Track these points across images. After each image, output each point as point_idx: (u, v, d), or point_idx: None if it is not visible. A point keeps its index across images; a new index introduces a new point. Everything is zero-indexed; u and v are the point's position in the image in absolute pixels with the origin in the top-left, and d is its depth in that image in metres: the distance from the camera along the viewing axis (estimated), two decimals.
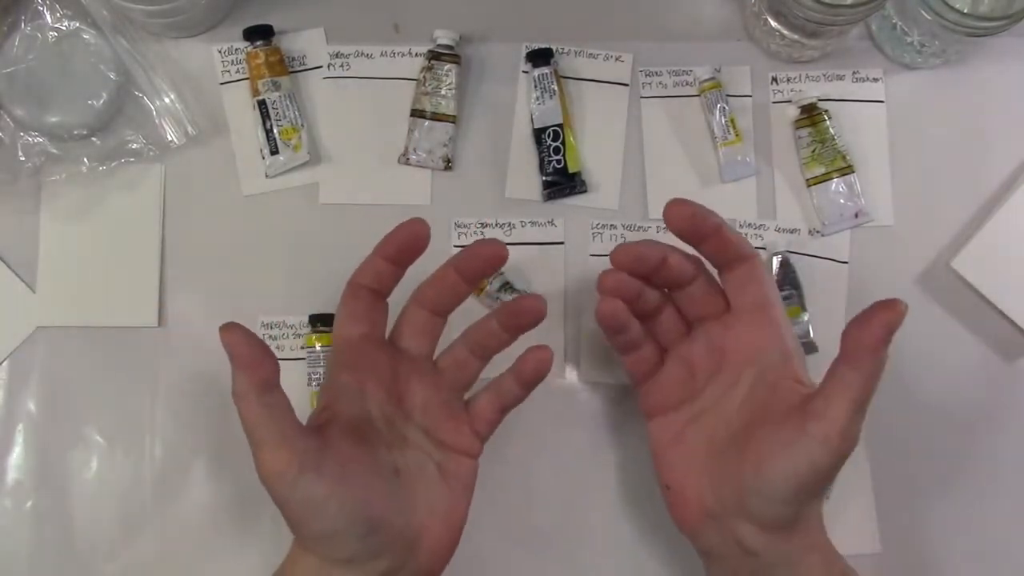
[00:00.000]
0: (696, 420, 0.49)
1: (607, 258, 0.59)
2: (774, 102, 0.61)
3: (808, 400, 0.43)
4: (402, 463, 0.46)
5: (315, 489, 0.41)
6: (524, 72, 0.61)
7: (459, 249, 0.58)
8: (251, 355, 0.41)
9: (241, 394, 0.41)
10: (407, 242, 0.46)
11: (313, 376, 0.56)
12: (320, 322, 0.57)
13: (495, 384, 0.50)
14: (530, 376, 0.49)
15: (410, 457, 0.47)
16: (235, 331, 0.41)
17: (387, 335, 0.49)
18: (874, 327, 0.41)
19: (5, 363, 0.57)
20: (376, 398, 0.46)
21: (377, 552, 0.43)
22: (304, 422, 0.44)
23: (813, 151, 0.60)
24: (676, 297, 0.50)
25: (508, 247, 0.58)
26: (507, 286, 0.57)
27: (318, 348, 0.56)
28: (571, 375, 0.59)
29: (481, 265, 0.47)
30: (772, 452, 0.43)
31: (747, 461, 0.44)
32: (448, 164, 0.60)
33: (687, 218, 0.46)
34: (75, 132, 0.57)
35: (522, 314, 0.48)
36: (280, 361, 0.57)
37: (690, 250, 0.48)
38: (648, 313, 0.51)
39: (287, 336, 0.58)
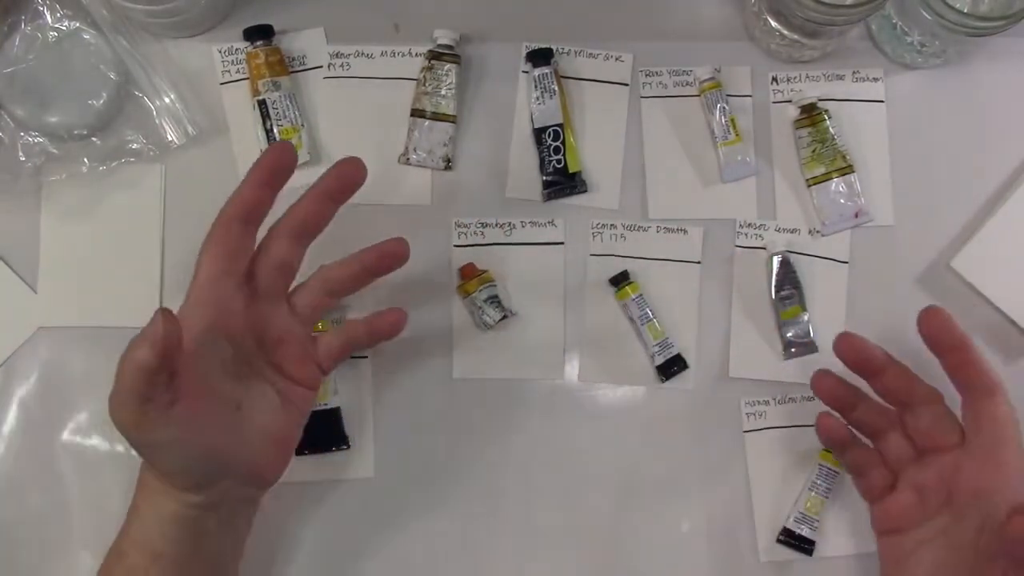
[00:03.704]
0: (924, 546, 0.48)
1: (607, 258, 0.59)
2: (774, 102, 0.61)
3: None
4: (245, 396, 0.47)
5: (161, 436, 0.43)
6: (524, 72, 0.61)
7: (458, 249, 0.59)
8: (165, 341, 0.40)
9: (131, 352, 0.41)
10: (276, 164, 0.48)
11: None
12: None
13: (347, 329, 0.52)
14: (382, 335, 0.52)
15: (254, 388, 0.48)
16: (167, 317, 0.41)
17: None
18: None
19: (6, 364, 0.57)
20: (231, 333, 0.47)
21: (218, 478, 0.46)
22: None
23: (813, 151, 0.60)
24: (906, 420, 0.51)
25: (508, 247, 0.59)
26: (493, 299, 0.57)
27: None
28: (571, 375, 0.59)
29: (344, 186, 0.50)
30: None
31: None
32: (448, 164, 0.60)
33: (938, 330, 0.48)
34: (75, 132, 0.57)
35: (386, 256, 0.51)
36: None
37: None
38: (875, 431, 0.52)
39: None
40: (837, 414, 0.53)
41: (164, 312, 0.40)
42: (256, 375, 0.49)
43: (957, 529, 0.47)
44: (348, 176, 0.49)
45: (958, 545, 0.47)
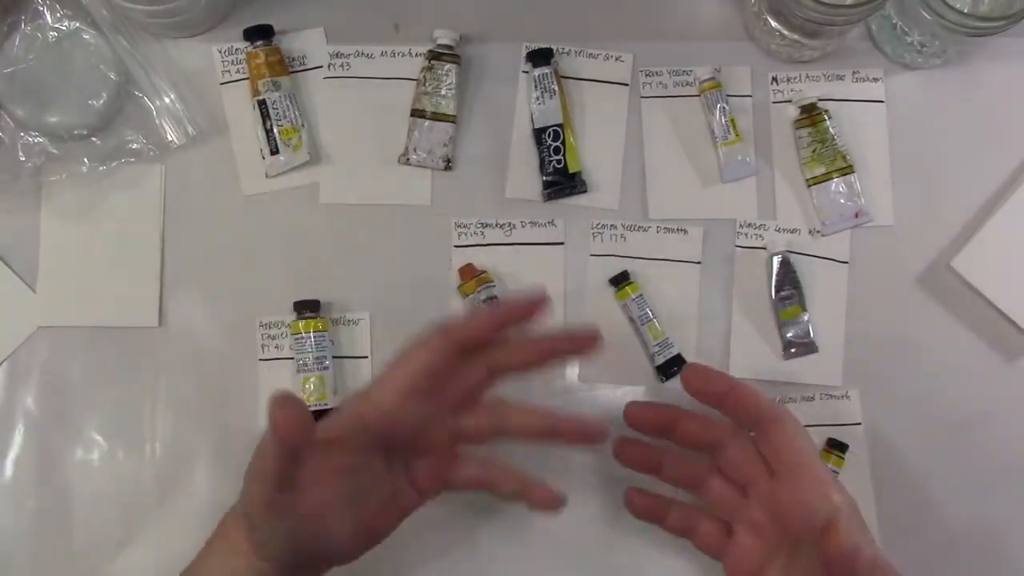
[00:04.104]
0: None
1: (607, 258, 0.59)
2: (774, 102, 0.61)
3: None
4: (364, 490, 0.46)
5: (275, 522, 0.43)
6: (524, 72, 0.61)
7: (458, 249, 0.59)
8: (297, 428, 0.40)
9: (266, 446, 0.41)
10: (526, 314, 0.46)
11: (300, 363, 0.56)
12: (306, 308, 0.57)
13: (495, 471, 0.49)
14: (531, 504, 0.49)
15: (375, 480, 0.47)
16: (288, 406, 0.40)
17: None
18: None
19: (5, 363, 0.57)
20: (394, 441, 0.46)
21: (300, 555, 0.45)
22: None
23: (813, 151, 0.59)
24: (719, 462, 0.51)
25: (508, 247, 0.59)
26: (492, 300, 0.57)
27: (303, 334, 0.56)
28: (571, 375, 0.59)
29: (576, 353, 0.49)
30: None
31: None
32: (448, 164, 0.60)
33: (701, 383, 0.49)
34: (75, 132, 0.57)
35: (579, 436, 0.49)
36: (276, 360, 0.58)
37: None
38: (693, 482, 0.52)
39: (285, 336, 0.58)
40: (643, 491, 0.53)
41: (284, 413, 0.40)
42: (386, 471, 0.47)
43: (801, 558, 0.47)
44: (583, 346, 0.47)
45: (806, 571, 0.47)
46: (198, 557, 0.47)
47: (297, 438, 0.40)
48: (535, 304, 0.46)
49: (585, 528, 0.57)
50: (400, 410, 0.45)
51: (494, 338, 0.46)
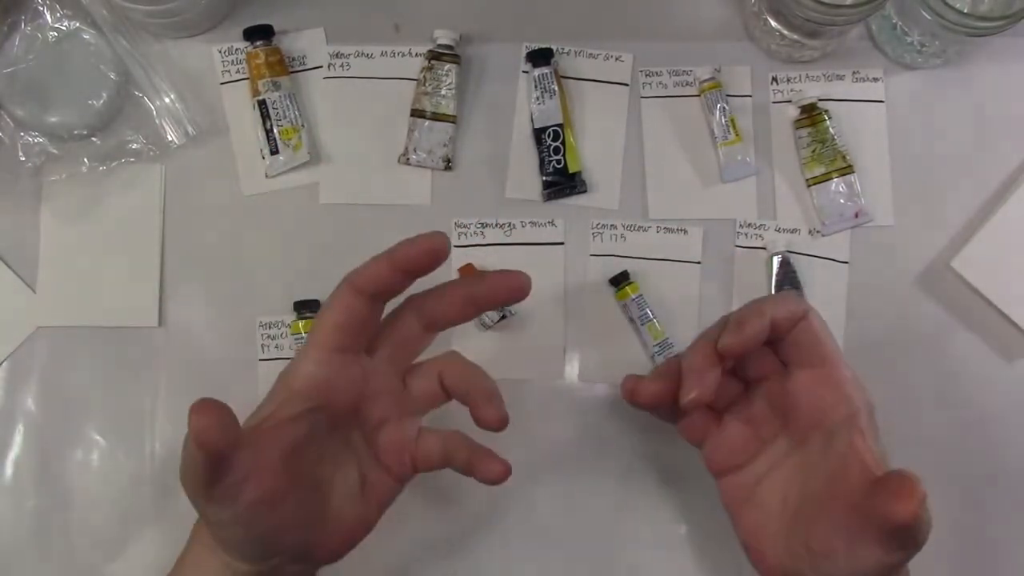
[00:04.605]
0: (767, 478, 0.47)
1: (607, 258, 0.59)
2: (774, 102, 0.61)
3: (875, 494, 0.40)
4: (327, 474, 0.44)
5: (224, 514, 0.41)
6: (524, 72, 0.61)
7: (458, 249, 0.59)
8: (216, 435, 0.38)
9: (190, 453, 0.39)
10: (426, 258, 0.42)
11: None
12: (306, 308, 0.57)
13: (450, 442, 0.46)
14: (478, 476, 0.46)
15: (340, 467, 0.44)
16: (205, 413, 0.38)
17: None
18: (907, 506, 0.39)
19: (5, 363, 0.57)
20: (333, 407, 0.43)
21: (273, 556, 0.43)
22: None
23: (813, 151, 0.60)
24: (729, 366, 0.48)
25: (508, 247, 0.59)
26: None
27: (303, 335, 0.56)
28: (571, 375, 0.59)
29: (495, 300, 0.45)
30: (838, 544, 0.41)
31: (815, 539, 0.43)
32: (448, 164, 0.60)
33: (743, 347, 0.44)
34: (75, 132, 0.57)
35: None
36: (276, 360, 0.58)
37: None
38: None
39: (285, 336, 0.58)
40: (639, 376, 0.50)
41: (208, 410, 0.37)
42: (346, 450, 0.45)
43: (797, 457, 0.46)
44: (509, 292, 0.45)
45: (799, 476, 0.45)
46: (177, 562, 0.46)
47: (216, 444, 0.38)
48: (431, 247, 0.41)
49: (583, 527, 0.58)
50: (326, 370, 0.43)
51: (400, 285, 0.43)
